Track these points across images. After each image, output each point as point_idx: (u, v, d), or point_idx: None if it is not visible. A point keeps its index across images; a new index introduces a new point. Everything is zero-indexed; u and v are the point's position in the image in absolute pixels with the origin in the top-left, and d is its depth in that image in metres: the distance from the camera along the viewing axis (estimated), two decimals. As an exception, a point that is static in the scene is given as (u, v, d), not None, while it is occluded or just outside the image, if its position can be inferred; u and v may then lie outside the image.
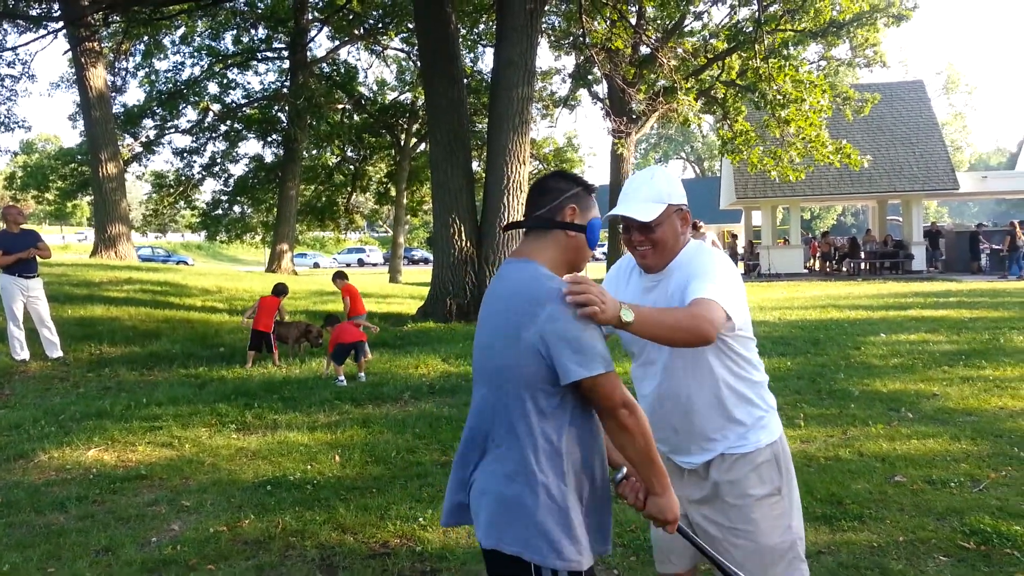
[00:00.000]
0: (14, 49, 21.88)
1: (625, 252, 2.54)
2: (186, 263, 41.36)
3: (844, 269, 25.91)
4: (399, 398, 7.31)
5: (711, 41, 22.14)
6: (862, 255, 25.71)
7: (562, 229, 2.01)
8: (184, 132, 27.47)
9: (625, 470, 2.03)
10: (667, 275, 2.31)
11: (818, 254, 27.72)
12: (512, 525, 1.87)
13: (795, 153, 18.25)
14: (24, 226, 9.19)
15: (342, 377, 8.05)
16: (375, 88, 30.52)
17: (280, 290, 9.86)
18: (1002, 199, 45.20)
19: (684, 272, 2.25)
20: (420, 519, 4.23)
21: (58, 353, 9.22)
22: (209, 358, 9.60)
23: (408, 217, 35.37)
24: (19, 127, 23.59)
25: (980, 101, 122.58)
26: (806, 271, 26.79)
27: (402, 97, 29.55)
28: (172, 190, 28.47)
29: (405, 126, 28.50)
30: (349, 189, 31.76)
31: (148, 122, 26.40)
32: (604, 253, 29.32)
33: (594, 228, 2.05)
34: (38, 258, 9.03)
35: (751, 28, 18.46)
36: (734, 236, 35.54)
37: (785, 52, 18.05)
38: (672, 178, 2.34)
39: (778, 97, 17.03)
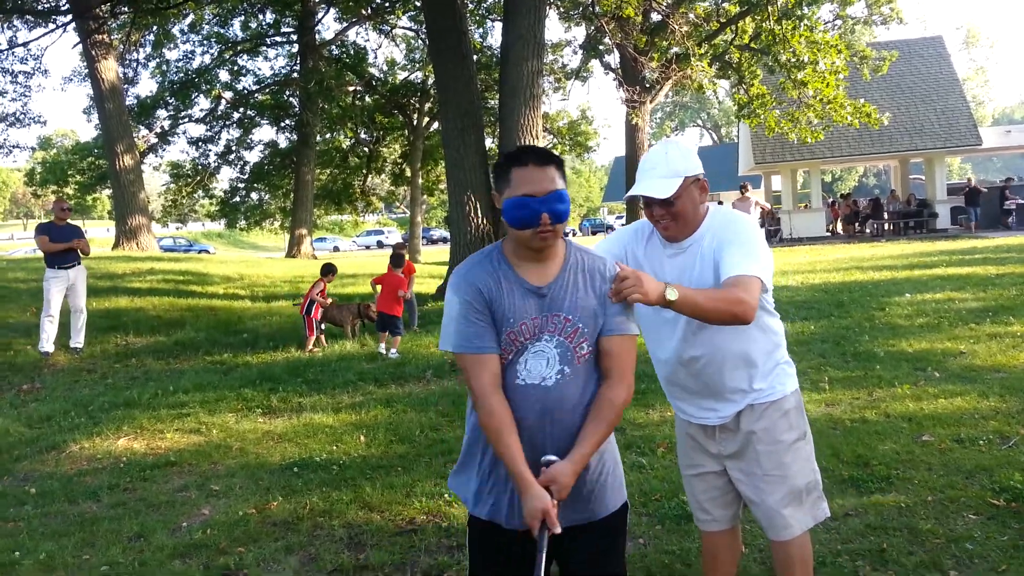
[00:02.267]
0: (26, 44, 22.05)
1: (640, 217, 2.56)
2: (207, 252, 41.70)
3: (867, 231, 25.56)
4: (421, 377, 7.34)
5: (723, 5, 21.75)
6: (885, 216, 25.33)
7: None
8: (198, 121, 27.56)
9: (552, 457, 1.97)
10: (695, 242, 2.37)
11: (840, 217, 27.34)
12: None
13: (813, 115, 17.96)
14: (69, 221, 9.42)
15: (383, 346, 8.27)
16: (385, 68, 30.37)
17: (328, 269, 9.82)
18: (1027, 153, 44.34)
19: (715, 238, 2.32)
20: (445, 495, 4.25)
21: (79, 344, 9.36)
22: (233, 344, 9.68)
23: (424, 197, 35.34)
24: (35, 122, 23.66)
25: (1002, 55, 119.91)
26: (829, 234, 26.48)
27: (412, 76, 29.40)
28: (189, 180, 28.61)
29: (417, 105, 28.37)
30: (364, 171, 31.76)
31: (162, 112, 26.50)
32: (618, 217, 29.06)
33: (507, 210, 1.97)
34: (80, 252, 9.21)
35: (764, -11, 18.11)
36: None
37: (799, 12, 17.68)
38: (686, 150, 2.39)
39: (792, 59, 16.74)
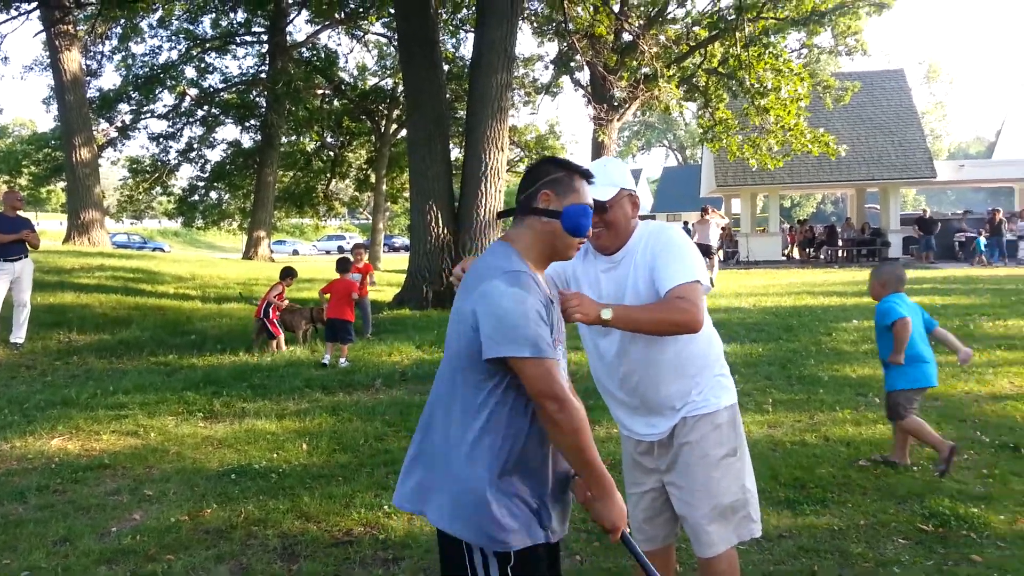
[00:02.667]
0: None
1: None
2: (163, 250, 40.90)
3: (822, 256, 26.07)
4: (371, 385, 7.27)
5: (694, 28, 22.08)
6: (840, 243, 25.87)
7: (535, 215, 2.01)
8: (160, 117, 27.09)
9: None
10: (627, 254, 2.42)
11: (796, 242, 27.85)
12: (453, 504, 1.90)
13: (774, 141, 18.29)
14: (20, 212, 9.21)
15: (328, 357, 8.11)
16: (356, 73, 30.22)
17: (287, 273, 9.68)
18: (979, 187, 45.65)
19: (648, 249, 2.38)
20: (385, 507, 4.20)
21: (20, 339, 9.10)
22: (180, 346, 9.49)
23: (388, 204, 35.15)
24: (-9, 110, 23.03)
25: (960, 90, 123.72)
26: (784, 258, 26.94)
27: (383, 83, 29.29)
28: (148, 176, 28.09)
29: (385, 112, 28.24)
30: (328, 175, 31.50)
31: (124, 107, 26.00)
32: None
33: (571, 214, 2.00)
34: (28, 244, 9.01)
35: (733, 15, 18.45)
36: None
37: (766, 40, 18.03)
38: (623, 166, 2.52)
39: (757, 85, 17.05)
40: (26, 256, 9.04)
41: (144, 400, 6.76)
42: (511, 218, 2.10)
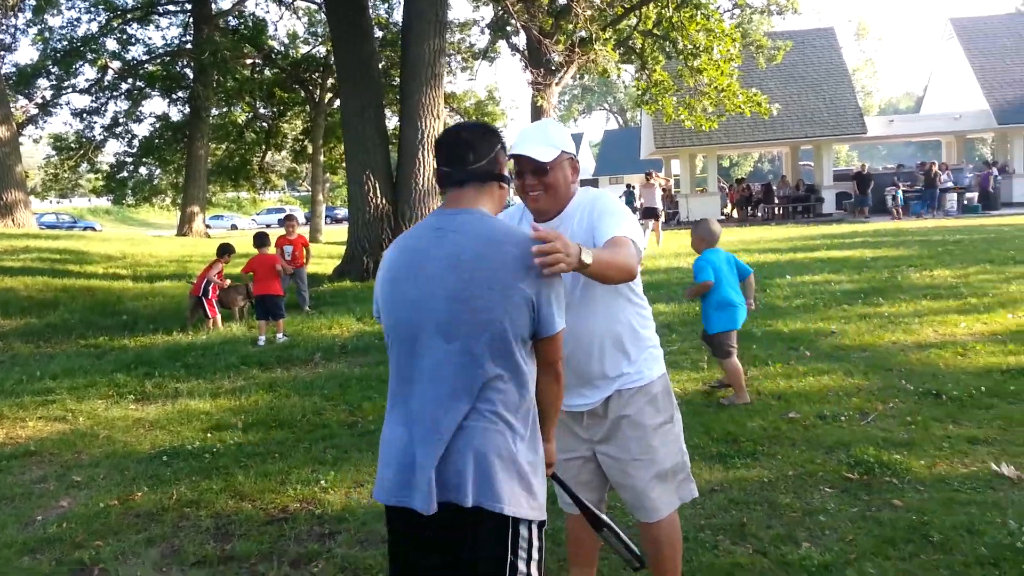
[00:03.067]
0: None
1: (511, 204, 2.53)
2: (94, 229, 39.46)
3: (759, 215, 26.56)
4: (309, 360, 7.17)
5: (627, -10, 21.99)
6: (776, 200, 26.38)
7: (497, 181, 1.99)
8: (83, 92, 25.95)
9: None
10: (565, 220, 2.36)
11: (734, 201, 28.30)
12: (508, 481, 1.79)
13: (708, 103, 18.43)
14: None
15: (263, 338, 7.94)
16: (286, 42, 29.36)
17: (225, 250, 9.39)
18: (909, 142, 46.90)
19: (588, 212, 2.32)
20: (322, 482, 4.16)
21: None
22: (110, 327, 9.23)
23: (327, 175, 34.47)
24: None
25: (889, 47, 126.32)
26: (723, 217, 27.35)
27: (315, 51, 28.52)
28: (72, 153, 26.96)
29: (319, 81, 27.54)
30: (263, 147, 30.69)
31: (43, 82, 24.84)
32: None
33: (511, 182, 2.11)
34: None
35: (664, -25, 18.41)
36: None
37: (696, 1, 18.06)
38: (564, 128, 2.48)
39: (689, 47, 17.11)
40: None
41: (72, 384, 6.57)
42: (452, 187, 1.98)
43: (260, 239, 8.80)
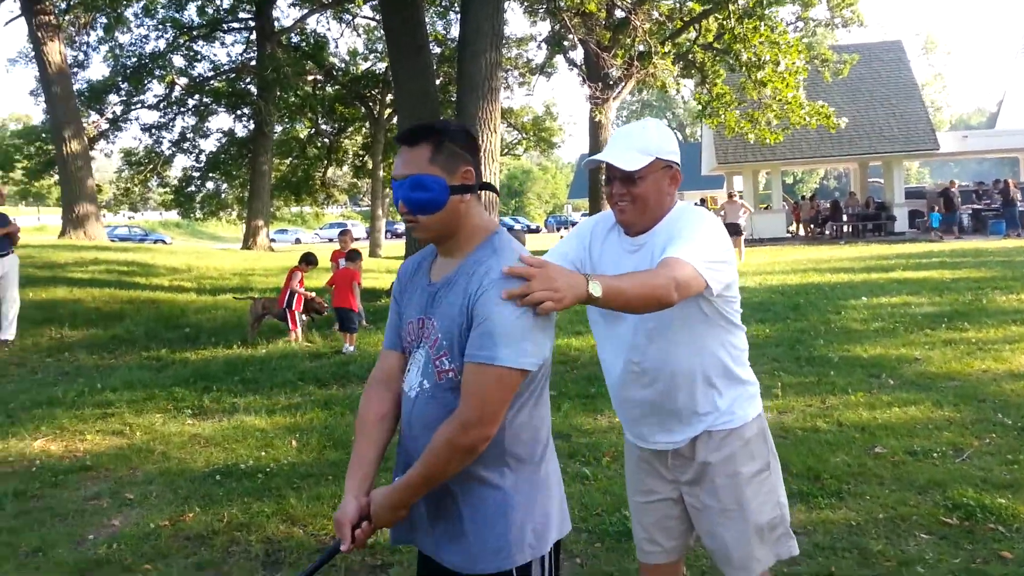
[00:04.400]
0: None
1: (602, 210, 2.30)
2: (164, 242, 40.61)
3: (827, 232, 25.76)
4: (365, 377, 7.03)
5: (687, 3, 21.68)
6: (844, 218, 25.56)
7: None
8: (151, 107, 26.74)
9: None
10: (652, 237, 2.08)
11: (801, 218, 27.53)
12: None
13: (772, 115, 17.97)
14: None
15: (348, 346, 8.20)
16: (347, 58, 29.78)
17: (307, 259, 9.34)
18: (983, 158, 45.20)
19: (667, 233, 2.04)
20: (375, 507, 3.98)
21: (10, 336, 8.92)
22: (173, 340, 9.27)
23: (387, 190, 34.83)
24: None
25: (959, 62, 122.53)
26: (789, 235, 26.63)
27: (374, 67, 28.86)
28: (142, 167, 27.77)
29: (379, 97, 27.86)
30: (325, 163, 31.15)
31: (113, 98, 25.65)
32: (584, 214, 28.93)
33: None
34: (11, 240, 8.89)
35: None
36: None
37: (760, 12, 17.65)
38: (666, 132, 2.13)
39: (753, 59, 16.72)
40: (12, 251, 8.87)
41: (132, 397, 6.55)
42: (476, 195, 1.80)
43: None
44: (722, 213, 16.03)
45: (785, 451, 4.42)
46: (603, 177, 2.17)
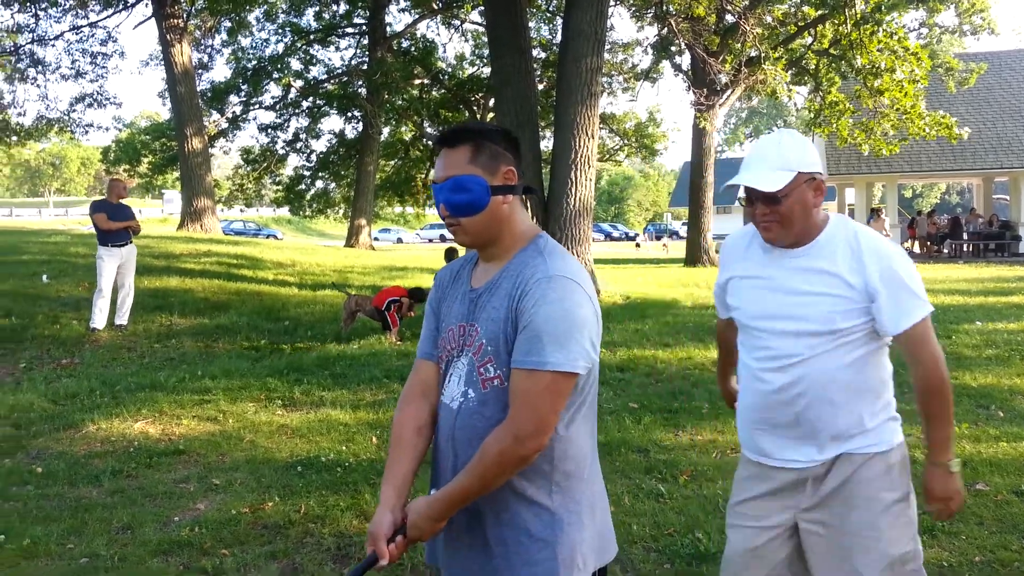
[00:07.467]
0: (94, 25, 22.75)
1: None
2: (276, 237, 42.38)
3: (945, 251, 24.33)
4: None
5: (802, 8, 20.94)
6: (964, 236, 24.07)
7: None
8: (268, 108, 27.93)
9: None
10: (819, 255, 2.03)
11: (918, 235, 26.08)
12: None
13: (888, 125, 17.11)
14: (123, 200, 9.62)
15: None
16: (453, 63, 30.27)
17: (417, 295, 9.33)
18: None
19: (860, 261, 2.00)
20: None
21: (124, 321, 9.47)
22: (272, 331, 9.64)
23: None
24: (110, 103, 24.41)
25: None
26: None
27: (479, 72, 29.23)
28: (258, 165, 29.06)
29: (482, 101, 28.19)
30: (427, 165, 31.75)
31: (234, 98, 26.93)
32: (684, 223, 28.27)
33: None
34: (131, 231, 9.44)
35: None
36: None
37: (879, 17, 16.84)
38: (804, 143, 2.06)
39: (869, 66, 15.96)
40: (131, 242, 9.43)
41: (228, 385, 6.83)
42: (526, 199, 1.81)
43: (449, 255, 9.65)
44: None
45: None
46: (740, 196, 2.10)
